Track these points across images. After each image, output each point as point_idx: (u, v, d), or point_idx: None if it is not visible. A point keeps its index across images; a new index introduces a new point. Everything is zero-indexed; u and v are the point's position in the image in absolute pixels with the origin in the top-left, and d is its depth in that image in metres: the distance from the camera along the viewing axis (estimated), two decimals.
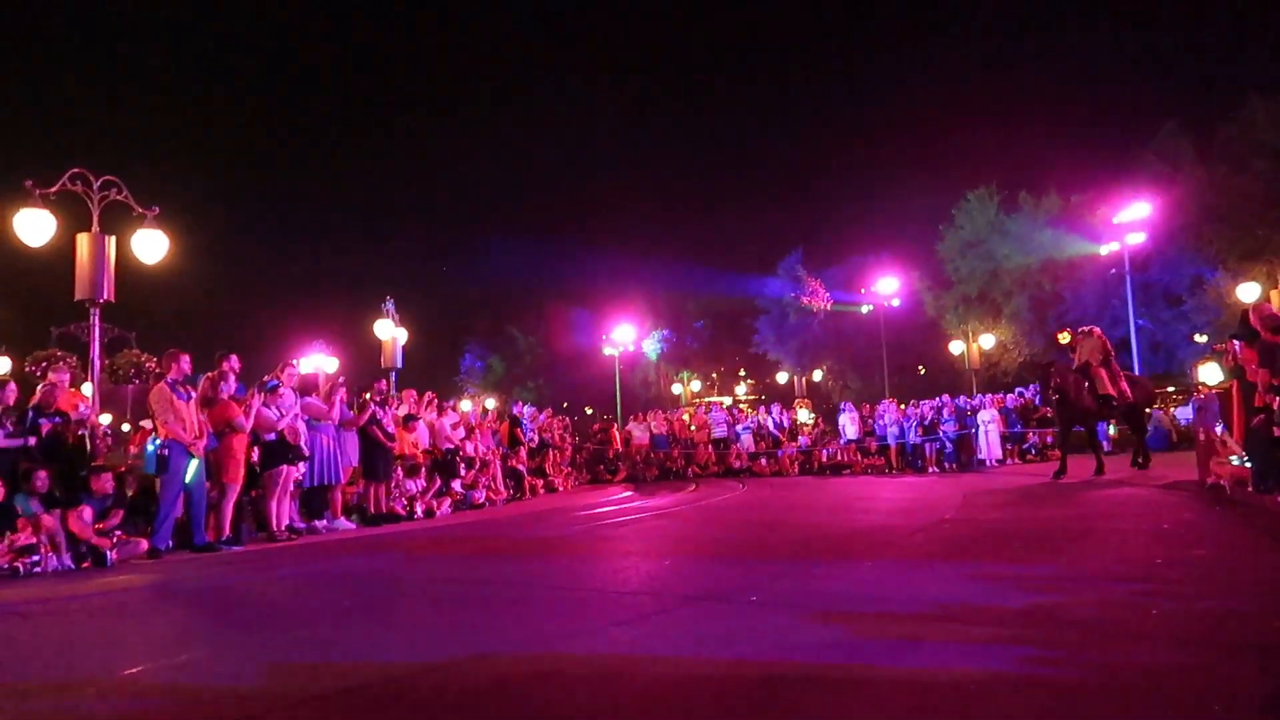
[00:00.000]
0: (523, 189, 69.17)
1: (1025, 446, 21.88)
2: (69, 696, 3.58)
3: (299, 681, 3.64)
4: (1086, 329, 15.26)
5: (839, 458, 22.02)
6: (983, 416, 21.07)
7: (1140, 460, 14.75)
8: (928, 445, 21.08)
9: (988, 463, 20.48)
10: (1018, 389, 25.01)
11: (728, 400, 48.21)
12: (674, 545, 8.43)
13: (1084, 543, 7.06)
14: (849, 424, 22.44)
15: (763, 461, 22.33)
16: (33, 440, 9.37)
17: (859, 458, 21.72)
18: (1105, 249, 30.80)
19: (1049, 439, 23.02)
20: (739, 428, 23.52)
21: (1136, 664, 3.36)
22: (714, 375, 57.57)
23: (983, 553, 6.74)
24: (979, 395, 24.74)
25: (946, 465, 20.52)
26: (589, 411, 46.97)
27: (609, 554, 7.94)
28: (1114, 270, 30.77)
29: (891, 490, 14.72)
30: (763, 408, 26.60)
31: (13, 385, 9.87)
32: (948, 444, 20.91)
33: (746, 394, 56.43)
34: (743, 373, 59.02)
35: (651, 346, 50.98)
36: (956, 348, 34.95)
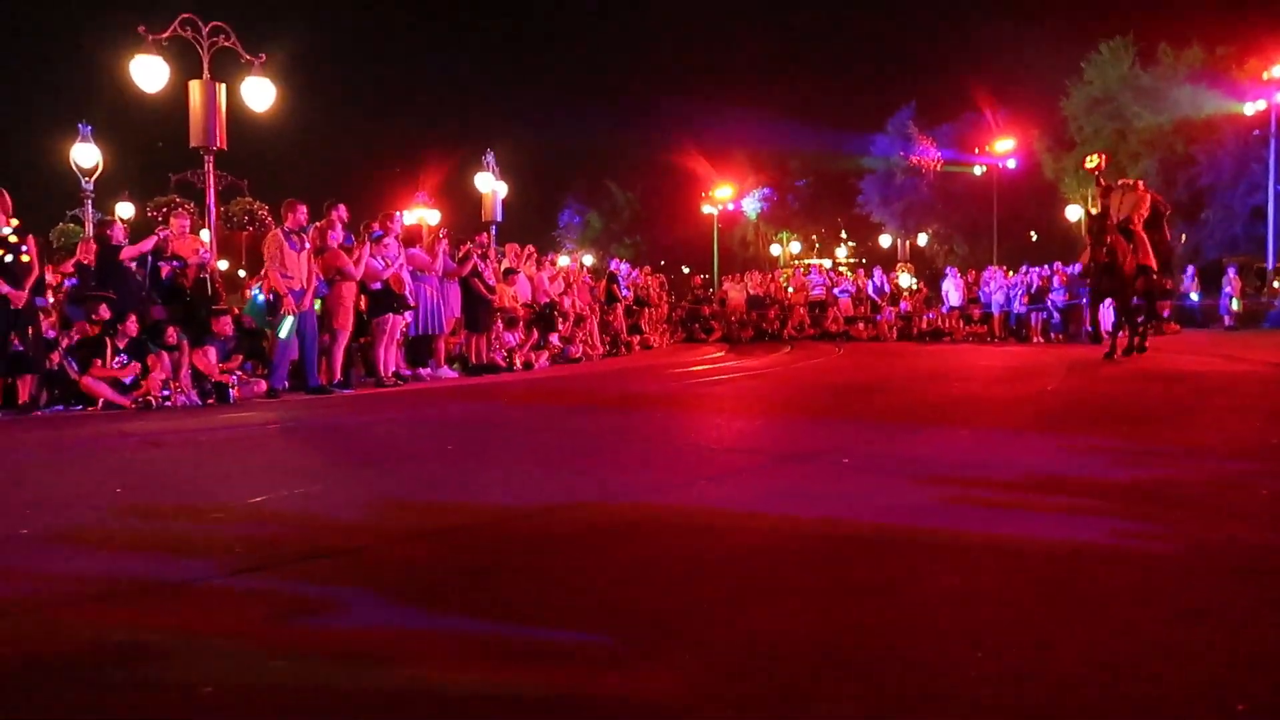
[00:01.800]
0: (625, 42, 67.10)
1: (1140, 320, 20.99)
2: (201, 519, 3.88)
3: (403, 518, 3.86)
4: (1129, 181, 13.44)
5: (940, 324, 21.56)
6: None
7: (1138, 342, 12.84)
8: (1034, 314, 20.41)
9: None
10: None
11: (827, 263, 47.29)
12: (767, 406, 8.49)
13: (1195, 418, 6.83)
14: (953, 290, 21.85)
15: (860, 326, 22.04)
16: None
17: (961, 325, 21.22)
18: (1251, 108, 28.43)
19: (1165, 312, 22.07)
20: (837, 290, 23.17)
21: (1238, 544, 3.28)
22: (814, 236, 56.35)
23: (1085, 425, 6.59)
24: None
25: (1053, 335, 19.89)
26: (686, 270, 46.81)
27: (702, 411, 8.05)
28: (1258, 132, 28.51)
29: (993, 359, 14.42)
30: (863, 270, 26.07)
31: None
32: (1055, 314, 20.19)
33: (847, 257, 55.21)
34: (844, 235, 57.59)
35: (751, 205, 50.00)
36: (1073, 213, 33.24)
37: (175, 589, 2.90)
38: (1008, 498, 4.10)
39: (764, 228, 52.12)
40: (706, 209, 40.74)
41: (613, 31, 69.84)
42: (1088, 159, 13.58)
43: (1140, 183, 13.33)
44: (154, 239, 10.18)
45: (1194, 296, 22.82)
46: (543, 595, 2.79)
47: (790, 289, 23.77)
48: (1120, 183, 13.20)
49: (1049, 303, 20.27)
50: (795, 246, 53.48)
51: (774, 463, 5.19)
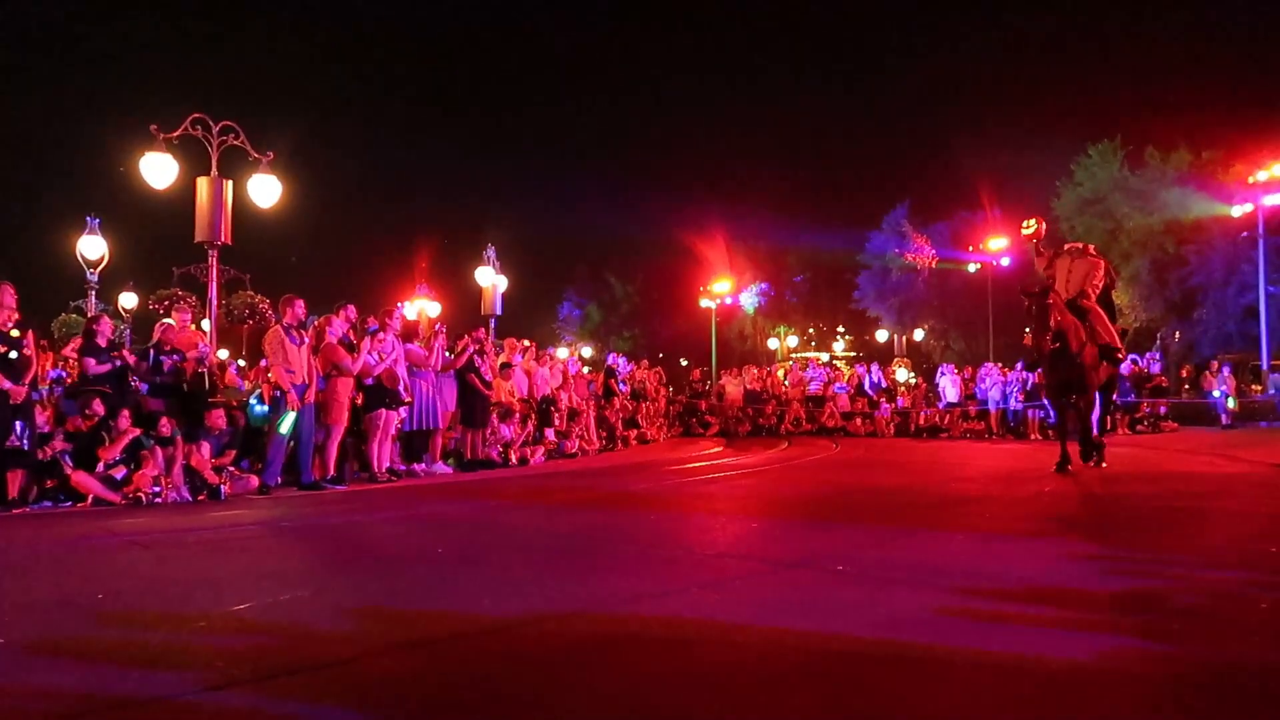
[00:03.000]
0: (624, 138, 68.91)
1: (1136, 417, 21.01)
2: (184, 628, 3.80)
3: (390, 629, 3.78)
4: (1079, 245, 11.09)
5: (937, 420, 21.56)
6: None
7: (1095, 452, 10.87)
8: (1030, 411, 20.43)
9: (1094, 432, 19.71)
10: (1132, 355, 23.97)
11: (824, 357, 47.57)
12: (763, 506, 8.42)
13: (1192, 524, 6.77)
14: (949, 386, 21.90)
15: (858, 421, 22.03)
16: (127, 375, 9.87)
17: (958, 422, 21.22)
18: (1237, 210, 29.02)
19: (1162, 409, 22.10)
20: (835, 386, 23.22)
21: (1242, 662, 3.21)
22: (811, 331, 56.84)
23: (1081, 530, 6.53)
24: None
25: (1050, 433, 19.84)
26: (684, 363, 47.03)
27: (697, 512, 7.98)
28: (1245, 234, 29.01)
29: (990, 457, 14.36)
30: (860, 366, 26.19)
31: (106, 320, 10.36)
32: (1052, 411, 20.17)
33: (844, 351, 55.60)
34: (841, 329, 58.10)
35: (749, 299, 50.55)
36: None
37: (150, 705, 2.83)
38: (1003, 609, 4.04)
39: (762, 322, 52.59)
40: (705, 303, 41.18)
41: (615, 128, 71.75)
42: (1024, 224, 11.25)
43: (1092, 247, 11.28)
44: (110, 365, 9.75)
45: (1216, 394, 22.76)
46: (535, 715, 2.72)
47: (787, 384, 23.83)
48: (1068, 248, 11.08)
49: (1045, 400, 20.29)
50: (793, 341, 53.88)
51: (768, 569, 5.12)
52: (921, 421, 21.66)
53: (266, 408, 9.97)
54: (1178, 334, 35.80)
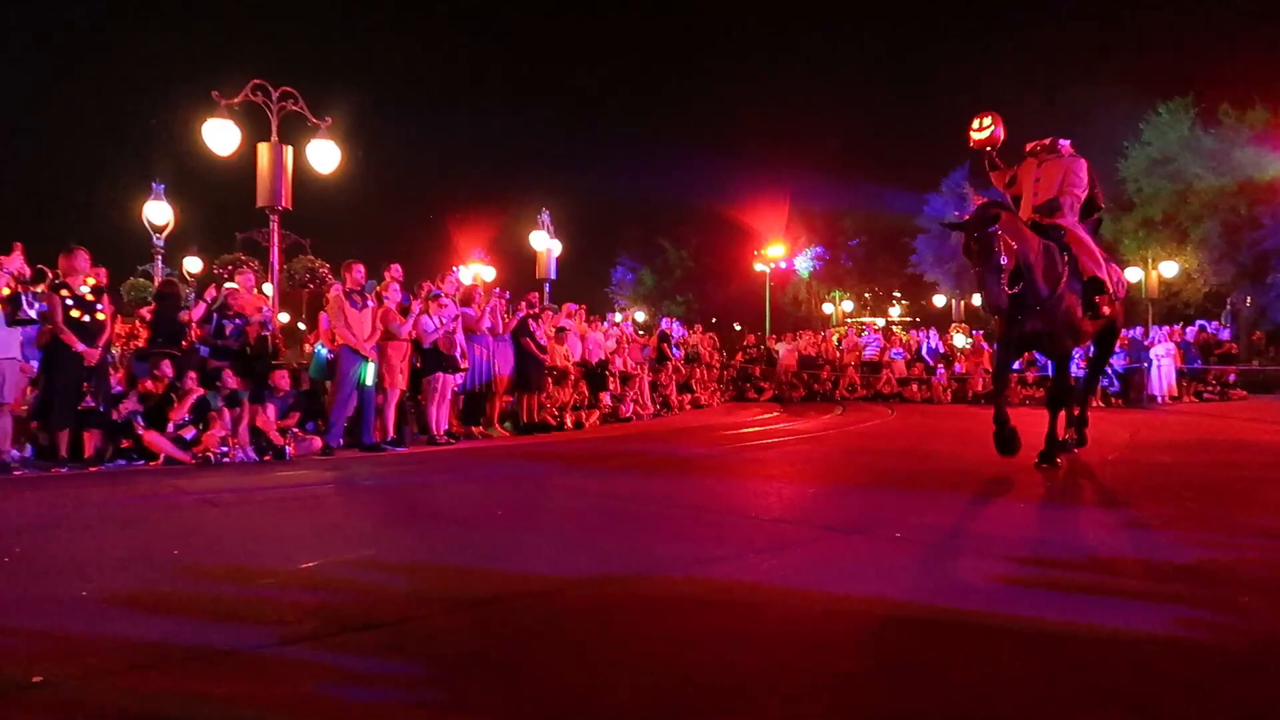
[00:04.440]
0: (678, 101, 68.21)
1: (1206, 384, 20.47)
2: (253, 584, 3.93)
3: (452, 587, 3.87)
4: (1045, 142, 8.25)
5: None
6: (1157, 351, 19.77)
7: (1074, 430, 8.62)
8: None
9: (1159, 399, 19.28)
10: (1199, 321, 23.30)
11: (880, 322, 46.96)
12: (818, 471, 8.40)
13: (1261, 492, 6.60)
14: None
15: (914, 387, 21.77)
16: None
17: (1017, 388, 20.84)
18: None
19: (1231, 376, 21.48)
20: (891, 351, 22.96)
21: None
22: (867, 295, 56.10)
23: (1146, 498, 6.40)
24: (1155, 327, 23.22)
25: (1112, 400, 19.44)
26: (738, 328, 46.80)
27: (752, 476, 7.99)
28: None
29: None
30: (917, 331, 25.83)
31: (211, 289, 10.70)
32: (1114, 379, 19.76)
33: (901, 316, 54.81)
34: (898, 294, 57.24)
35: (803, 264, 50.02)
36: (1133, 275, 32.67)
37: (223, 657, 2.94)
38: (1064, 578, 3.99)
39: (816, 286, 52.04)
40: (759, 267, 40.81)
41: (667, 89, 71.07)
42: (973, 125, 8.43)
43: (1066, 143, 8.22)
44: (203, 305, 10.40)
45: None
46: (587, 676, 2.78)
47: (842, 349, 23.61)
48: (1030, 148, 8.34)
49: (1107, 367, 19.84)
50: (848, 305, 53.26)
51: (824, 535, 5.12)
52: (979, 388, 21.31)
53: (328, 355, 10.18)
54: (1249, 299, 34.61)
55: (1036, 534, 5.23)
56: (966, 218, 7.20)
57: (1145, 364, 19.70)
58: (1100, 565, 4.23)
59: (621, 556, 4.49)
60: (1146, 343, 20.38)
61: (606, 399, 14.85)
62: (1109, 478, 7.62)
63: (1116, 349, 19.66)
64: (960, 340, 23.94)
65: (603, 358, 15.32)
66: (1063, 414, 8.32)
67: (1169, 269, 33.45)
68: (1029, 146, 8.35)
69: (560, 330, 14.41)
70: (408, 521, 5.81)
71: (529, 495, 6.99)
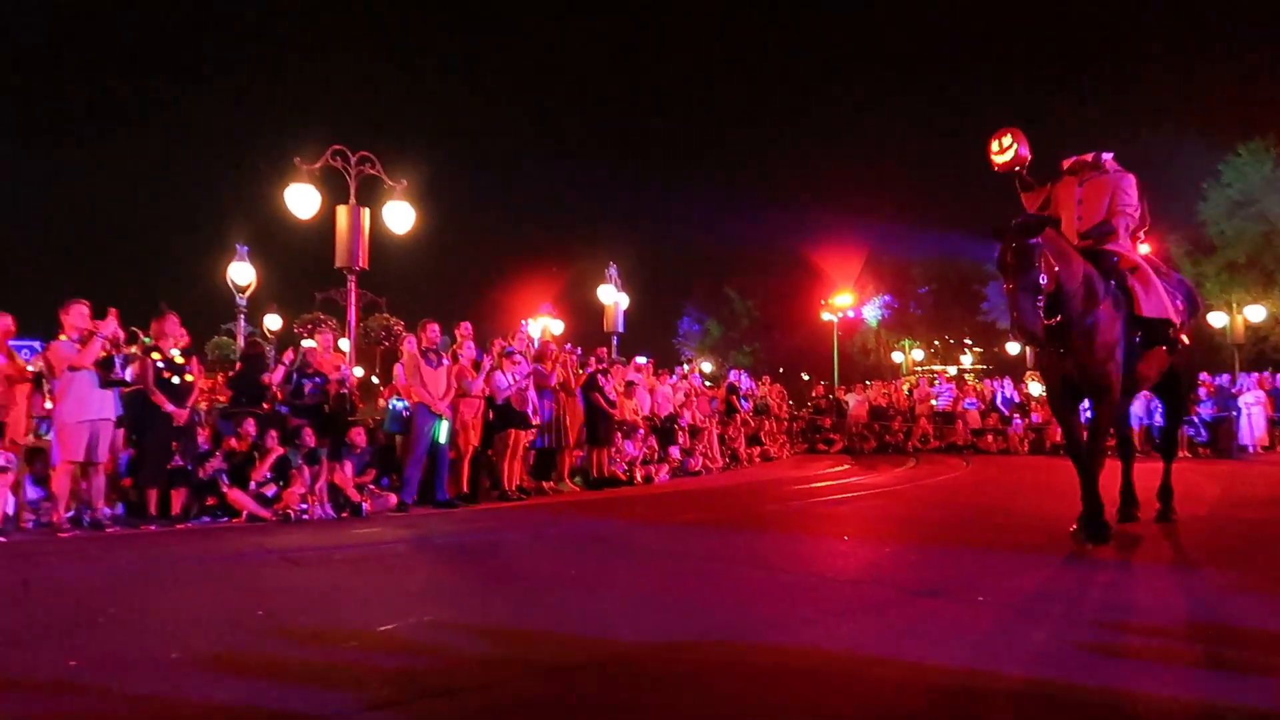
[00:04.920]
0: (744, 150, 68.76)
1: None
2: (334, 646, 4.00)
3: (529, 650, 3.89)
4: (1087, 158, 7.25)
5: None
6: (1246, 399, 19.03)
7: (1164, 502, 7.80)
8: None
9: (1250, 449, 18.51)
10: None
11: (952, 370, 46.14)
12: (893, 528, 8.24)
13: None
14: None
15: (989, 438, 21.28)
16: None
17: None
18: None
19: None
20: (964, 401, 22.52)
21: None
22: (937, 344, 55.23)
23: (1239, 558, 6.13)
24: (1243, 374, 22.38)
25: (1200, 451, 18.73)
26: (805, 378, 46.45)
27: (825, 534, 7.88)
28: None
29: (1134, 478, 13.62)
30: (991, 379, 25.32)
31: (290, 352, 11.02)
32: (1201, 428, 19.06)
33: (973, 364, 53.78)
34: (969, 342, 56.23)
35: (871, 312, 49.56)
36: (1217, 320, 31.57)
37: None
38: (1156, 646, 3.85)
39: (885, 335, 51.47)
40: (826, 316, 40.53)
41: (731, 141, 71.70)
42: (993, 145, 7.19)
43: (1110, 157, 7.24)
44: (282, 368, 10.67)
45: None
46: None
47: (913, 399, 23.24)
48: (1069, 165, 7.31)
49: (1194, 415, 19.17)
50: (918, 354, 52.50)
51: (903, 598, 5.01)
52: (1058, 438, 20.73)
53: (405, 408, 10.37)
54: None
55: (1126, 597, 5.05)
56: (1010, 225, 6.24)
57: (1234, 412, 18.97)
58: (1195, 633, 4.06)
59: (698, 619, 4.45)
60: (1234, 390, 19.65)
61: (676, 453, 14.83)
62: (1199, 536, 7.33)
63: (1202, 396, 19.03)
64: (1036, 389, 23.35)
65: (671, 411, 15.34)
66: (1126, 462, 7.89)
67: (1255, 313, 32.26)
68: (1067, 164, 7.33)
69: (629, 384, 14.49)
70: (483, 581, 5.86)
71: (602, 554, 7.00)
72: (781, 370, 43.94)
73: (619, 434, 13.54)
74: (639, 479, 13.33)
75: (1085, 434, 6.82)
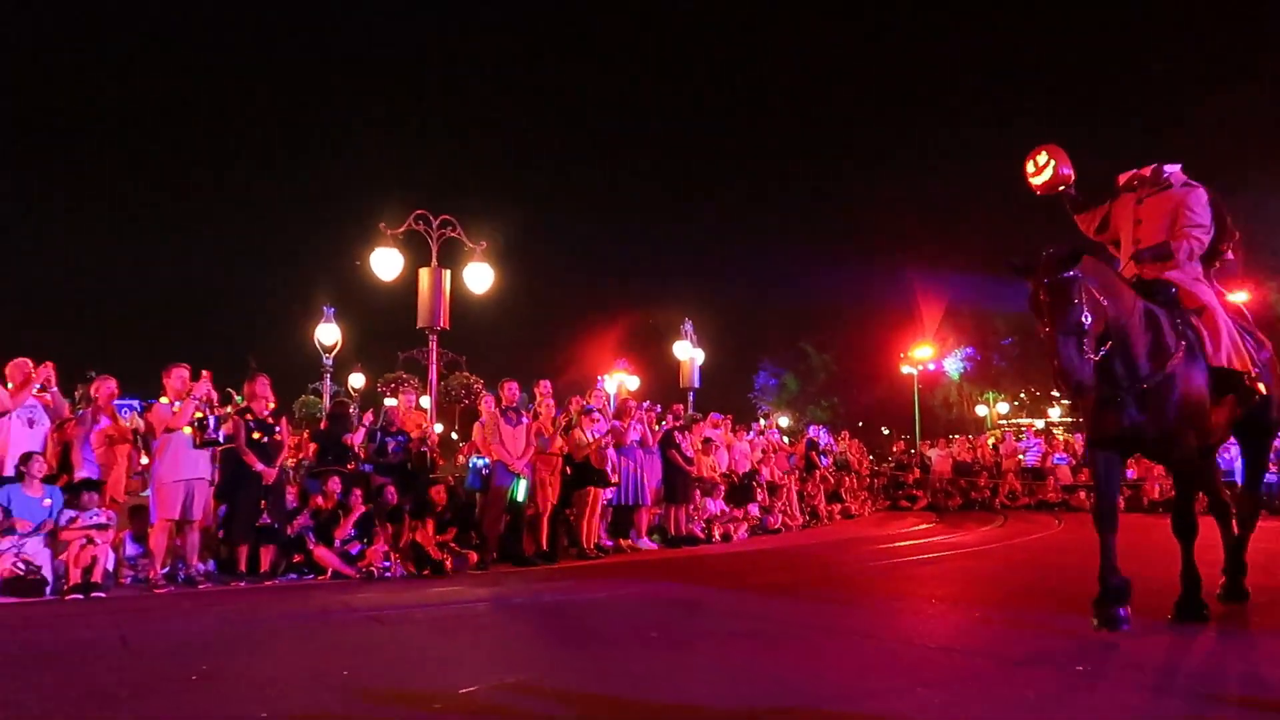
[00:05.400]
0: (818, 203, 68.71)
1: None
2: (418, 709, 4.01)
3: (612, 717, 3.83)
4: (1146, 172, 6.30)
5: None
6: None
7: (1229, 578, 6.57)
8: None
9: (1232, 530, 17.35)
10: None
11: (1040, 424, 44.81)
12: (983, 591, 7.96)
13: None
14: None
15: (1081, 495, 20.49)
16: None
17: (1200, 496, 19.31)
18: None
19: None
20: (1054, 456, 21.80)
21: None
22: (1023, 396, 53.77)
23: None
24: None
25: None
26: (885, 432, 45.65)
27: (911, 596, 7.65)
28: None
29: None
30: (1081, 433, 24.48)
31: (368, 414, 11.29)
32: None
33: (1061, 417, 52.17)
34: (1056, 394, 54.61)
35: (953, 365, 48.55)
36: None
37: None
38: None
39: (968, 388, 50.31)
40: (906, 369, 39.89)
41: (806, 194, 71.72)
42: (1030, 162, 6.47)
43: (1177, 169, 6.26)
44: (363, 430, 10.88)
45: None
46: None
47: (1000, 454, 22.59)
48: (1127, 180, 6.42)
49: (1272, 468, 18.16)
50: (1003, 408, 51.14)
51: (999, 667, 4.82)
52: (1156, 495, 19.87)
53: (484, 466, 10.48)
54: None
55: (1232, 667, 4.79)
56: (1034, 261, 5.34)
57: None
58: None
59: (783, 686, 4.35)
60: None
61: (754, 510, 14.64)
62: None
63: None
64: None
65: (750, 468, 15.18)
66: (1230, 528, 6.70)
67: None
68: (1123, 179, 6.43)
69: (707, 441, 14.40)
70: (563, 642, 5.82)
71: (681, 616, 6.90)
72: (861, 425, 43.24)
73: (697, 491, 13.43)
74: (717, 537, 13.17)
75: (1101, 498, 5.87)
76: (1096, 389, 5.29)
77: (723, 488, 14.21)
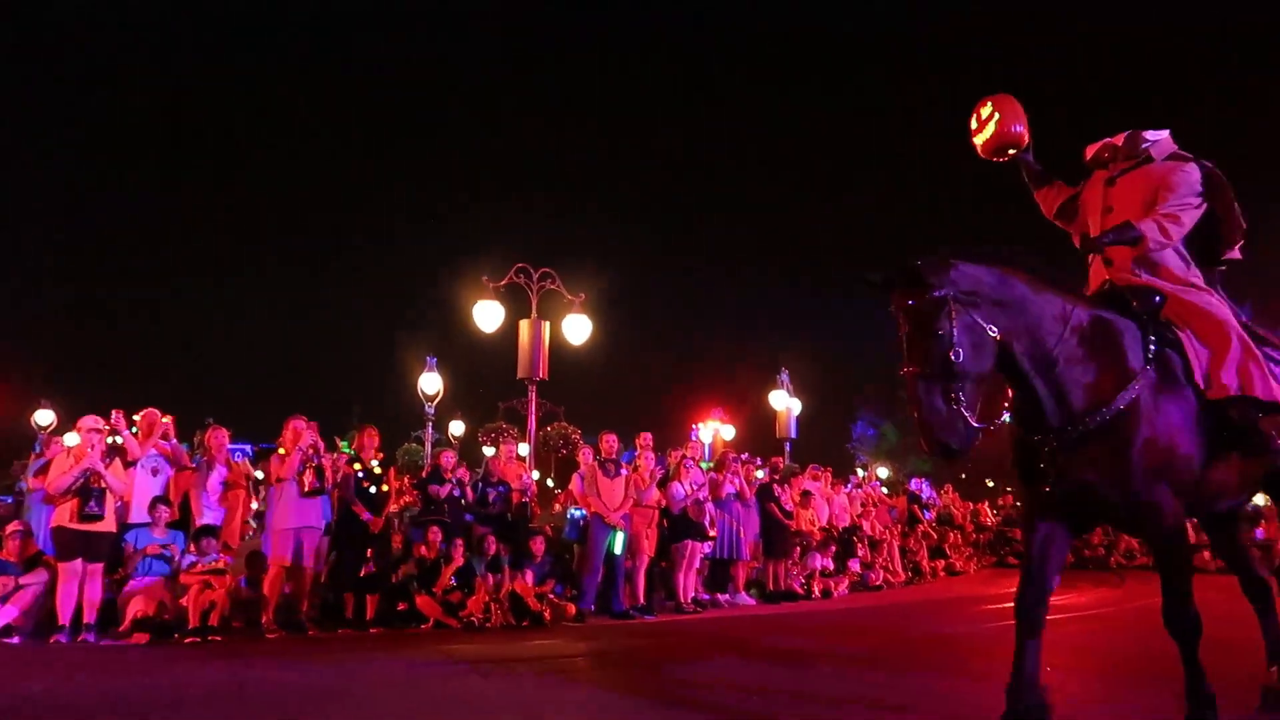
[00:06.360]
0: (916, 247, 67.64)
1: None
2: None
3: None
4: (1121, 139, 4.81)
5: None
6: None
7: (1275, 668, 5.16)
8: None
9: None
10: None
11: None
12: (1103, 660, 7.57)
13: None
14: None
15: (1205, 555, 19.37)
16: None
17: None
18: None
19: None
20: None
21: None
22: None
23: None
24: None
25: None
26: (990, 484, 44.13)
27: None
28: None
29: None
30: None
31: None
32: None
33: None
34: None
35: None
36: None
37: None
38: None
39: None
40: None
41: (903, 239, 70.73)
42: (971, 123, 5.09)
43: (1164, 138, 4.78)
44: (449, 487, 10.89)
45: None
46: None
47: None
48: (1096, 150, 4.98)
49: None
50: None
51: None
52: None
53: (582, 517, 10.54)
54: None
55: None
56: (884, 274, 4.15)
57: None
58: None
59: None
60: None
61: (855, 566, 14.30)
62: None
63: None
64: (1259, 499, 21.23)
65: (850, 522, 14.88)
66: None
67: None
68: (1091, 151, 4.98)
69: (805, 494, 14.19)
70: (664, 702, 5.75)
71: (785, 679, 6.75)
72: (965, 477, 41.85)
73: (796, 545, 13.22)
74: (817, 593, 12.91)
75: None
76: (1022, 435, 4.28)
77: (822, 542, 13.94)
